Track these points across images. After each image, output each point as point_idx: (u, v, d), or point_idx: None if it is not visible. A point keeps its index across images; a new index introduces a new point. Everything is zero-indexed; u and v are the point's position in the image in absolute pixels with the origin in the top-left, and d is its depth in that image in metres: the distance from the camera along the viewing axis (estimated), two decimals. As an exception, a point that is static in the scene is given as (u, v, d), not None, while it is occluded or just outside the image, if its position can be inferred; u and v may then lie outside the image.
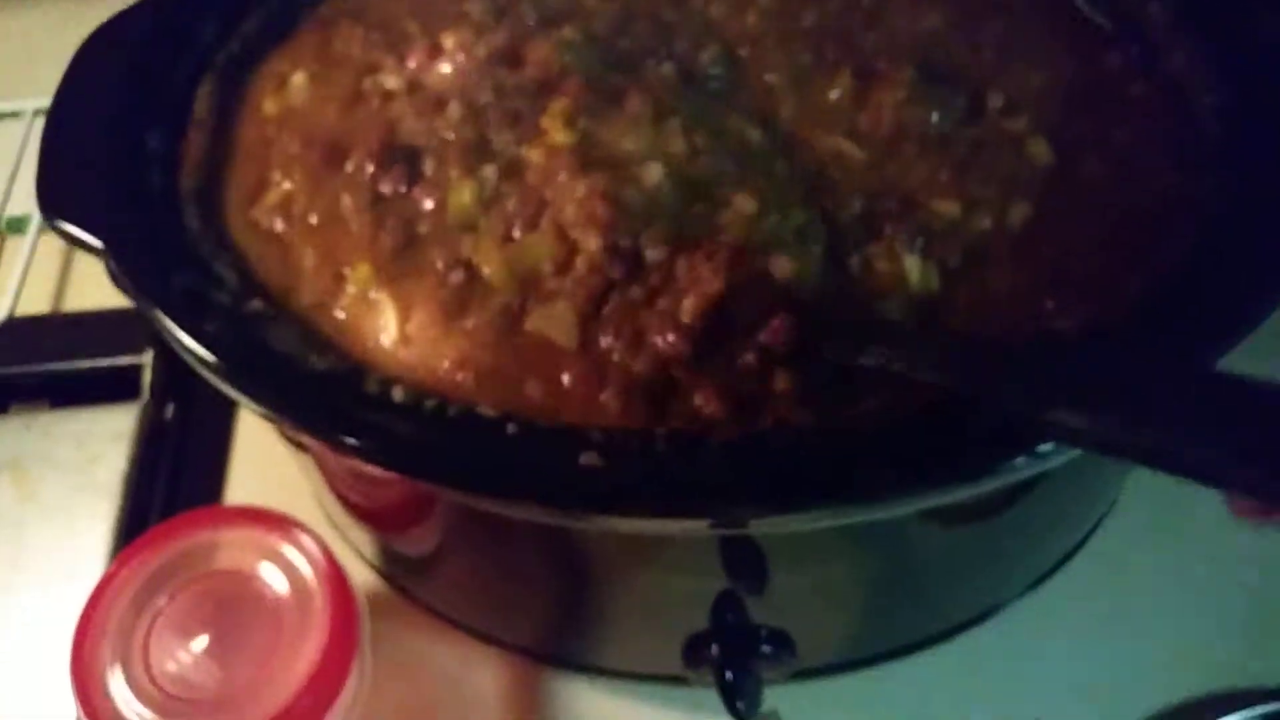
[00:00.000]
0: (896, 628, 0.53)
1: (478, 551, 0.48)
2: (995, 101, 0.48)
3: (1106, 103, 0.48)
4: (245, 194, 0.46)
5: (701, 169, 0.44)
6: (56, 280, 0.72)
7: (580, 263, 0.40)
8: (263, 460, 0.61)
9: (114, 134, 0.46)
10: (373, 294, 0.42)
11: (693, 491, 0.35)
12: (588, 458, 0.35)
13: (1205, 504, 0.57)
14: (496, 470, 0.36)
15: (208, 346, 0.38)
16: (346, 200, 0.44)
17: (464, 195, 0.43)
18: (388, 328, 0.41)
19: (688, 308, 0.39)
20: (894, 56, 0.49)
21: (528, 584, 0.49)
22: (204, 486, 0.61)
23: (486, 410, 0.38)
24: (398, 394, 0.38)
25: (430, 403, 0.38)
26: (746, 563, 0.45)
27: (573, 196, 0.42)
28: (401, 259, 0.43)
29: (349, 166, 0.45)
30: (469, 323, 0.41)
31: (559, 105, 0.45)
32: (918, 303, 0.41)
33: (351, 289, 0.42)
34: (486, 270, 0.41)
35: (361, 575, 0.55)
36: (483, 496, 0.36)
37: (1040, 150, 0.46)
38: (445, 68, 0.48)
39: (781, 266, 0.41)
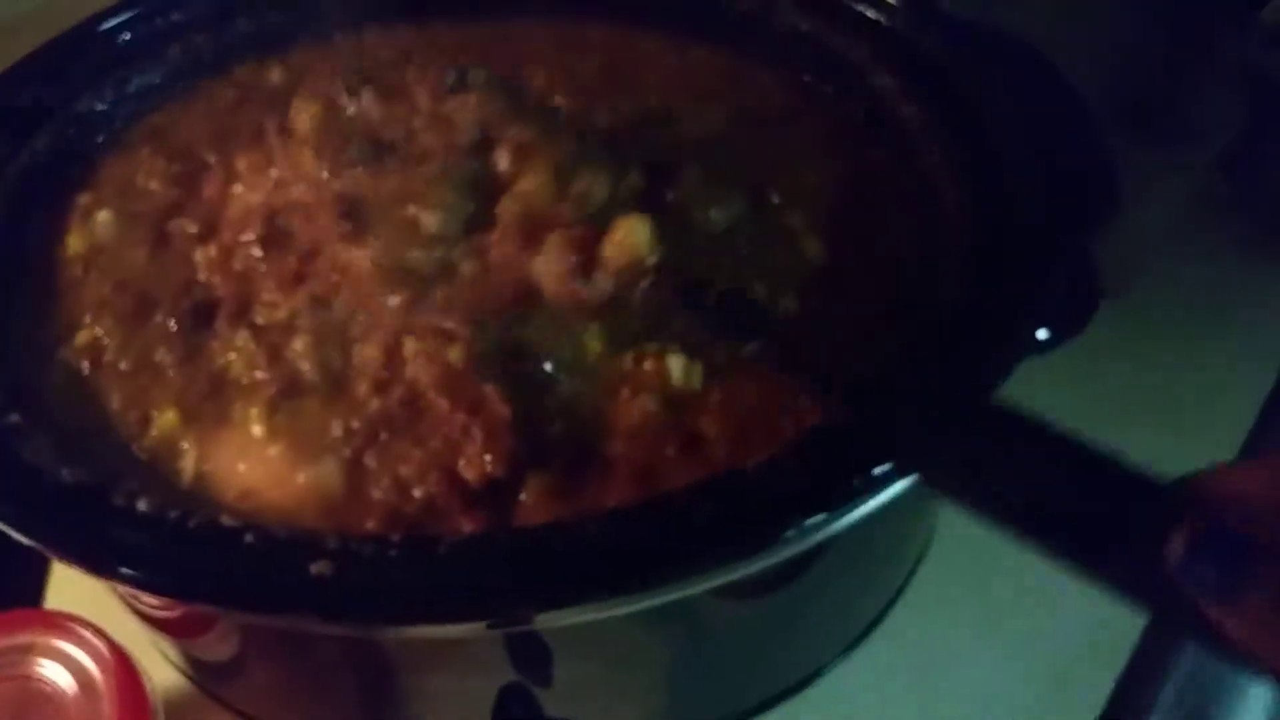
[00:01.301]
0: (703, 706, 0.53)
1: (264, 654, 0.48)
2: (774, 198, 0.50)
3: (869, 198, 0.51)
4: (53, 332, 0.48)
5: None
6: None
7: (337, 426, 0.43)
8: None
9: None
10: (177, 438, 0.44)
11: (410, 597, 0.36)
12: (319, 566, 0.36)
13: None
14: (225, 580, 0.36)
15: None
16: (160, 351, 0.47)
17: (230, 355, 0.46)
18: (186, 468, 0.44)
19: (470, 475, 0.41)
20: (681, 155, 0.51)
21: (319, 682, 0.49)
22: (24, 593, 0.61)
23: (227, 520, 0.38)
24: (142, 505, 0.39)
25: (173, 513, 0.38)
26: (526, 654, 0.45)
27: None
28: (204, 407, 0.45)
29: (158, 318, 0.48)
30: (253, 468, 0.43)
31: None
32: (673, 399, 0.43)
33: (155, 431, 0.45)
34: (259, 430, 0.44)
35: (169, 678, 0.55)
36: (209, 606, 0.37)
37: (812, 245, 0.49)
38: (238, 201, 0.50)
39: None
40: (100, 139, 0.54)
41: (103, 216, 0.52)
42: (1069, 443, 0.32)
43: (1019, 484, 0.33)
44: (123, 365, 0.47)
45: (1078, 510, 0.31)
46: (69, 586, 0.61)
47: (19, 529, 0.38)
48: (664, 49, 0.56)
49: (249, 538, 0.37)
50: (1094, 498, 0.31)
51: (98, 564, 0.37)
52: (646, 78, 0.55)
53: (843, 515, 0.37)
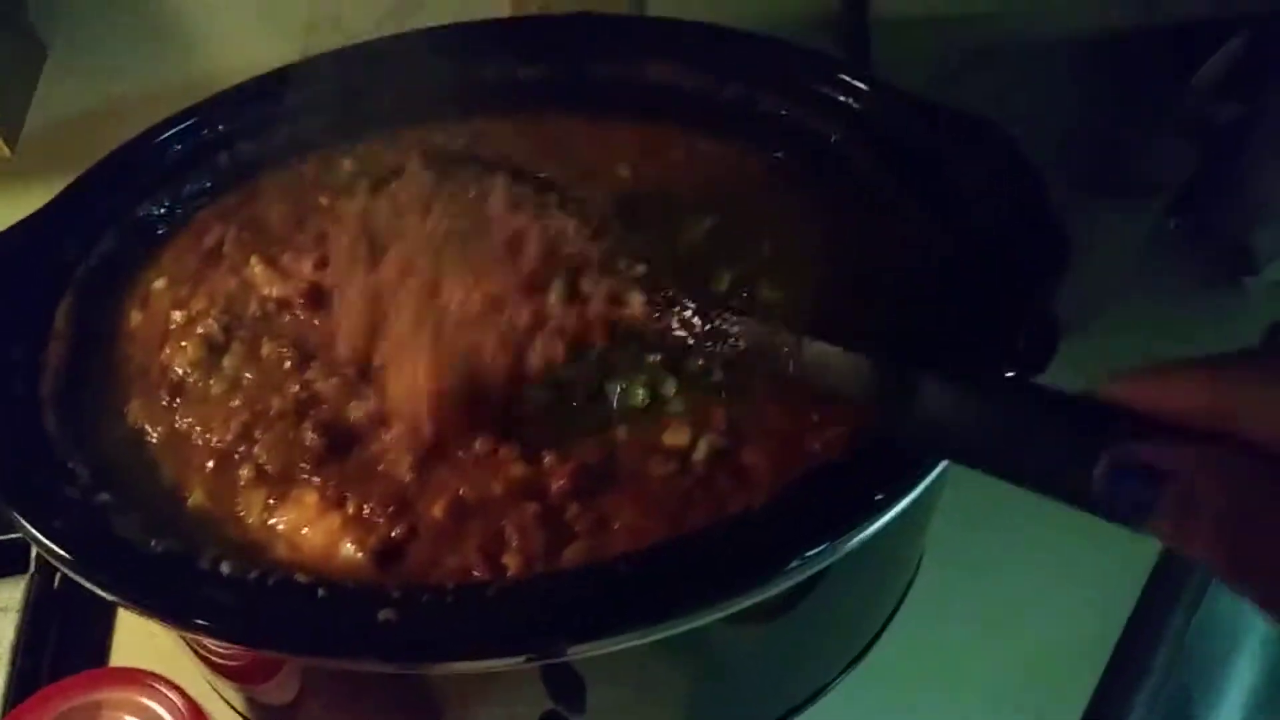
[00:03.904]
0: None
1: (322, 694, 0.53)
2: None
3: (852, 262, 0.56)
4: (114, 404, 0.53)
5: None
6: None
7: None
8: (144, 623, 0.66)
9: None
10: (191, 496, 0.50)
11: (470, 636, 0.41)
12: (385, 614, 0.41)
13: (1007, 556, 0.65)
14: (305, 631, 0.42)
15: (55, 541, 0.44)
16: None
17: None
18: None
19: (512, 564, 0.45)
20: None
21: (372, 716, 0.54)
22: (90, 652, 0.66)
23: (301, 577, 0.44)
24: (225, 568, 0.44)
25: (254, 573, 0.44)
26: (561, 684, 0.50)
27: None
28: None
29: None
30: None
31: None
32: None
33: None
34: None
35: (231, 722, 0.60)
36: (294, 655, 0.42)
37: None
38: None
39: None
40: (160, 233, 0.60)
41: (158, 285, 0.57)
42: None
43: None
44: (160, 429, 0.52)
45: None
46: (133, 644, 0.66)
47: (116, 596, 0.43)
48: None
49: (321, 592, 0.43)
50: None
51: (189, 623, 0.42)
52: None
53: (841, 547, 0.43)
